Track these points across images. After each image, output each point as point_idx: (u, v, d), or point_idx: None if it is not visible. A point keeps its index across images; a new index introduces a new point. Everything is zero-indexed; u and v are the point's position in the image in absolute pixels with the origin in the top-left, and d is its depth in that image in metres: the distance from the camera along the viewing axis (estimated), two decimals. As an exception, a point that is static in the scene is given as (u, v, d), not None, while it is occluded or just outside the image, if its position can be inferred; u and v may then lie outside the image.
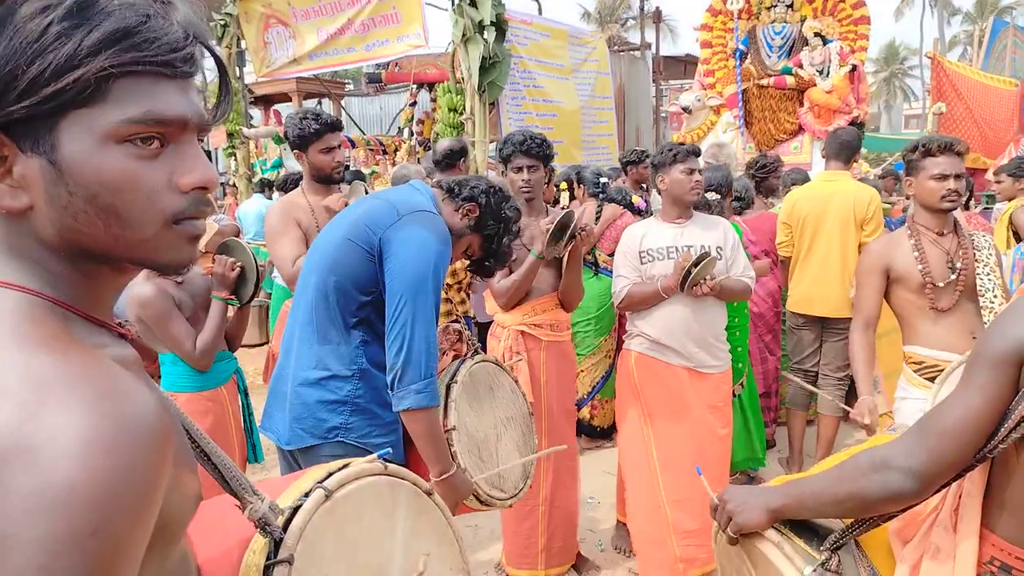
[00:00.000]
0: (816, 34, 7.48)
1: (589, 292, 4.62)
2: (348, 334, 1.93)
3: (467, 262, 2.27)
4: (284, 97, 12.27)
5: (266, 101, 12.59)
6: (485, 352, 2.30)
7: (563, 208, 3.60)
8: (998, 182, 5.49)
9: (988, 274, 2.53)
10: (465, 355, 2.22)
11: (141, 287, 2.45)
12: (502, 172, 3.01)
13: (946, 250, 2.59)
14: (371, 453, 1.94)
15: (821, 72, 7.36)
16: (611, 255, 4.10)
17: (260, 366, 5.74)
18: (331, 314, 1.93)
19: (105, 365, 0.60)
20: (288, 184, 5.85)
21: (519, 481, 2.22)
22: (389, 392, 1.86)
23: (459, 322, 2.48)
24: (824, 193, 4.12)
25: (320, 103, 13.77)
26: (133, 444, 0.55)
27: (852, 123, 7.17)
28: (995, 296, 2.49)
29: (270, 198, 7.47)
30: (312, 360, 1.94)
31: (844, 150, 4.17)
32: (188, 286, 2.58)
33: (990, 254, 2.64)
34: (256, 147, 9.64)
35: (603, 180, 4.57)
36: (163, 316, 2.46)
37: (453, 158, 4.01)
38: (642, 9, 11.87)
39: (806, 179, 4.92)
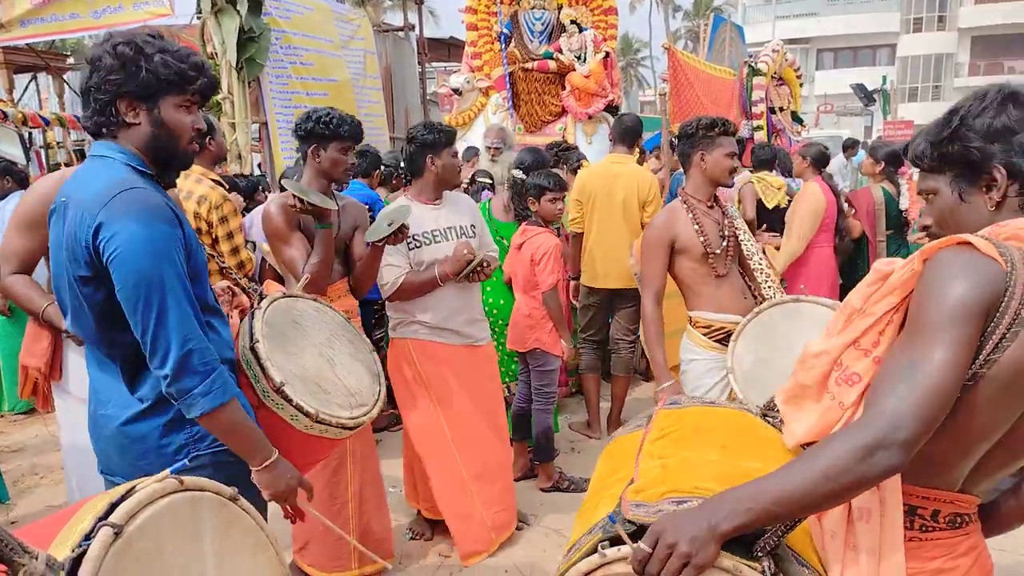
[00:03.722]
0: (572, 21, 7.92)
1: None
2: (141, 355, 1.64)
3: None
4: (-13, 69, 10.39)
5: (-37, 74, 10.56)
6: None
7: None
8: None
9: (748, 240, 2.84)
10: (252, 307, 2.02)
11: None
12: (309, 152, 2.78)
13: (716, 220, 2.84)
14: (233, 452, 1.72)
15: (579, 58, 7.82)
16: None
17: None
18: (114, 347, 1.67)
19: None
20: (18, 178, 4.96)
21: (368, 383, 2.13)
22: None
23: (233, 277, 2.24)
24: (611, 174, 4.41)
25: (35, 78, 11.86)
26: None
27: (608, 106, 7.73)
28: (760, 259, 2.81)
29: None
30: (121, 396, 1.68)
31: (628, 135, 4.53)
32: None
33: (742, 222, 2.98)
34: (-46, 129, 8.04)
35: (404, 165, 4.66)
36: None
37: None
38: (403, -11, 11.74)
39: (583, 159, 5.27)
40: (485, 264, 3.04)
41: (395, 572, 3.18)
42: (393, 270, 2.95)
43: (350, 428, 1.96)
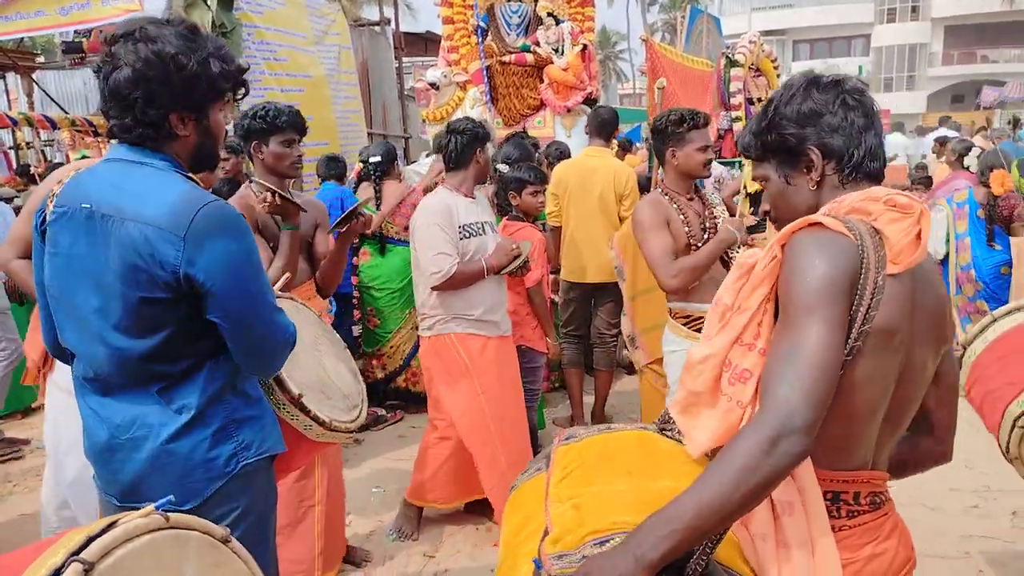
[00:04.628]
0: (549, 14, 7.85)
1: (389, 266, 4.64)
2: (189, 360, 1.55)
3: None
4: (-46, 69, 10.16)
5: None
6: None
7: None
8: None
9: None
10: None
11: None
12: (252, 149, 2.70)
13: (697, 212, 2.84)
14: (274, 456, 1.68)
15: (557, 50, 7.77)
16: (406, 228, 4.21)
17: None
18: (158, 368, 1.55)
19: None
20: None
21: (353, 383, 2.11)
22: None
23: None
24: (588, 167, 4.37)
25: (4, 77, 11.61)
26: None
27: (587, 99, 7.69)
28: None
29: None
30: (155, 414, 1.55)
31: (605, 128, 4.50)
32: None
33: (722, 209, 2.97)
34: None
35: (374, 159, 4.63)
36: None
37: None
38: (378, -17, 11.62)
39: (567, 152, 5.23)
40: (527, 260, 3.14)
41: (379, 573, 3.15)
42: (447, 258, 2.94)
43: (352, 432, 1.95)
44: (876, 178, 1.30)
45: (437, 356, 3.17)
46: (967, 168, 6.10)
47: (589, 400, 4.69)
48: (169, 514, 1.09)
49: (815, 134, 1.28)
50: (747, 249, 2.59)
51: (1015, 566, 3.02)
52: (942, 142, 9.55)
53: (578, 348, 4.56)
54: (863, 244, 1.15)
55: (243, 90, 1.65)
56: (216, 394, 1.58)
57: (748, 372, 1.18)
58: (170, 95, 1.49)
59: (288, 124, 2.65)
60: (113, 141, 1.57)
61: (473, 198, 3.18)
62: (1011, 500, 3.45)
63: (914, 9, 36.04)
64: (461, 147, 3.07)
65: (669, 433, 1.44)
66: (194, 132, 1.56)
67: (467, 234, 3.04)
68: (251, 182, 2.68)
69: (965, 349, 2.24)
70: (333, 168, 5.03)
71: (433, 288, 3.02)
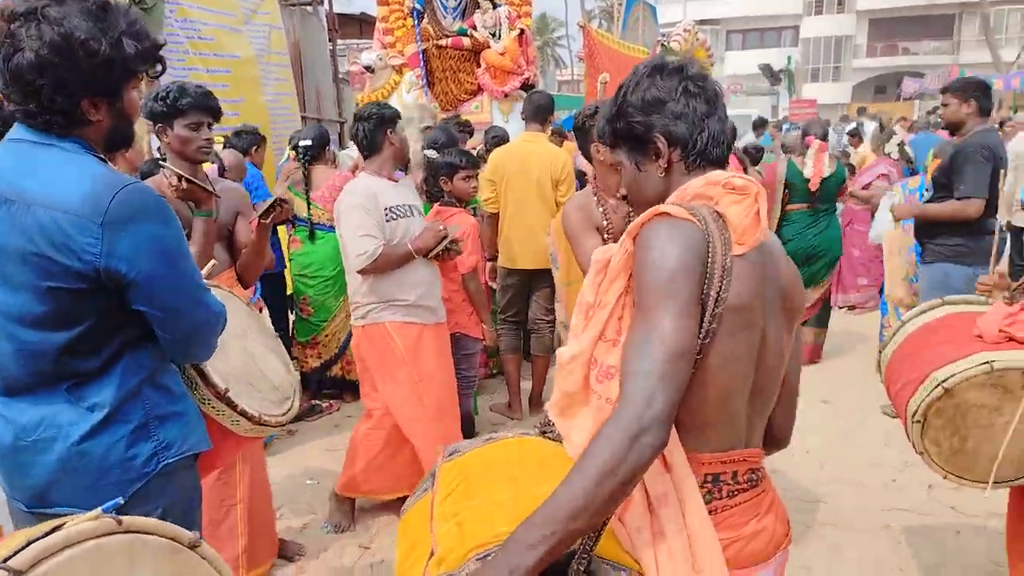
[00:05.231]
0: (486, -2, 7.79)
1: (321, 254, 4.52)
2: (109, 352, 1.47)
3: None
4: None
5: None
6: None
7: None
8: None
9: None
10: None
11: None
12: (157, 133, 2.57)
13: (626, 213, 2.70)
14: (197, 454, 1.60)
15: (494, 35, 7.70)
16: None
17: None
18: (73, 356, 1.46)
19: None
20: None
21: (285, 374, 2.05)
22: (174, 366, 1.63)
23: None
24: (524, 152, 4.36)
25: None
26: None
27: (524, 84, 7.65)
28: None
29: None
30: (65, 412, 1.46)
31: (540, 112, 4.49)
32: None
33: None
34: None
35: (304, 143, 4.51)
36: None
37: None
38: (310, -38, 11.24)
39: (506, 137, 5.18)
40: (456, 242, 3.13)
41: (313, 567, 3.08)
42: (371, 240, 2.91)
43: (283, 425, 1.90)
44: (720, 163, 1.32)
45: (372, 346, 3.11)
46: (888, 155, 6.33)
47: (527, 386, 4.70)
48: (123, 517, 1.02)
49: (660, 121, 1.28)
50: None
51: (931, 537, 3.17)
52: (853, 134, 10.18)
53: (516, 334, 4.56)
54: (708, 228, 1.17)
55: (159, 67, 1.56)
56: (133, 389, 1.50)
57: (614, 368, 1.18)
58: (80, 82, 1.39)
59: (192, 106, 2.49)
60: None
61: (395, 181, 3.13)
62: (927, 474, 3.59)
63: (840, 2, 37.18)
64: (370, 133, 3.04)
65: (551, 436, 1.43)
66: (107, 116, 1.48)
67: (393, 216, 3.01)
68: (161, 166, 2.55)
69: (881, 353, 2.32)
70: (235, 142, 4.73)
71: (359, 271, 2.97)
